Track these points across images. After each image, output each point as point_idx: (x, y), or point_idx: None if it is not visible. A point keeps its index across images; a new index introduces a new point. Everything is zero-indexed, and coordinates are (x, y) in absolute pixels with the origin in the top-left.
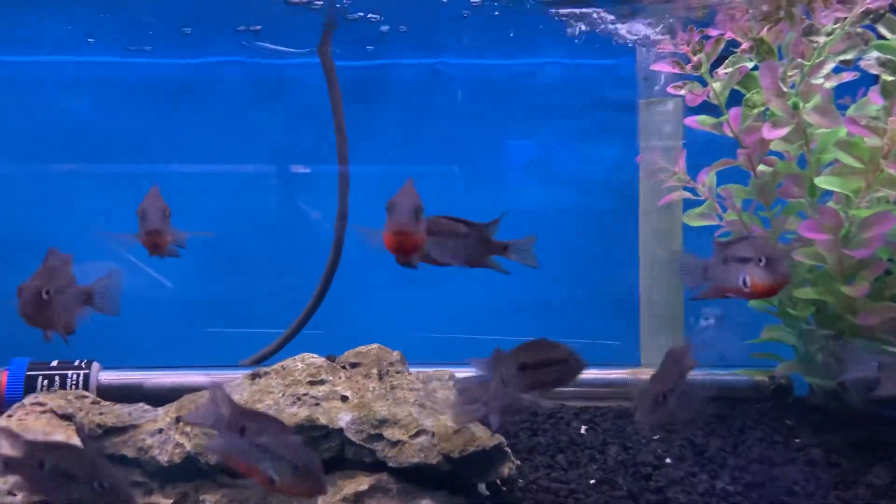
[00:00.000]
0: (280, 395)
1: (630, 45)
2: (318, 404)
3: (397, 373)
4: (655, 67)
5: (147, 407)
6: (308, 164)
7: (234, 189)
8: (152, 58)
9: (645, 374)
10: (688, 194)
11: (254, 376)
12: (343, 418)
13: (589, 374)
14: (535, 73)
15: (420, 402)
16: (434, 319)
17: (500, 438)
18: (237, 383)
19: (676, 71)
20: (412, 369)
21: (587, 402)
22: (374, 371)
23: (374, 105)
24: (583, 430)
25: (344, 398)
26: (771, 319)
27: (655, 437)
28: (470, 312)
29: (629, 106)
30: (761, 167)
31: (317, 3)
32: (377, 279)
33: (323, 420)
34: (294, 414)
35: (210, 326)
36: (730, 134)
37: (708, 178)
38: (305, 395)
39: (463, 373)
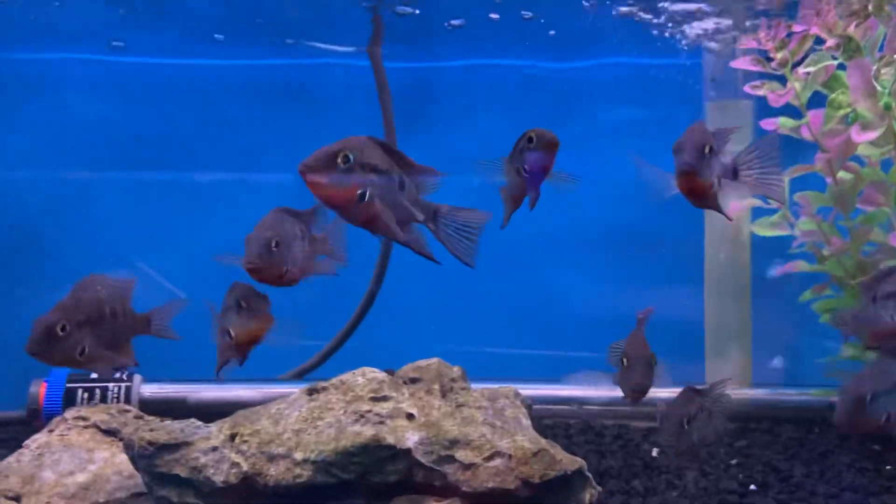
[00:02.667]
0: (341, 411)
1: (696, 45)
2: (382, 422)
3: (462, 389)
4: (736, 65)
5: (198, 423)
6: None
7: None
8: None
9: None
10: (757, 202)
11: (311, 391)
12: (410, 438)
13: (653, 393)
14: (593, 75)
15: (489, 421)
16: (484, 332)
17: (581, 462)
18: (293, 398)
19: (758, 69)
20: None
21: (653, 423)
22: (436, 387)
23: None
24: (654, 454)
25: (410, 416)
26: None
27: (733, 462)
28: (526, 327)
29: (694, 108)
30: (842, 173)
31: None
32: (416, 291)
33: (390, 439)
34: (358, 433)
35: None
36: (809, 137)
37: None
38: (369, 412)
39: (525, 389)
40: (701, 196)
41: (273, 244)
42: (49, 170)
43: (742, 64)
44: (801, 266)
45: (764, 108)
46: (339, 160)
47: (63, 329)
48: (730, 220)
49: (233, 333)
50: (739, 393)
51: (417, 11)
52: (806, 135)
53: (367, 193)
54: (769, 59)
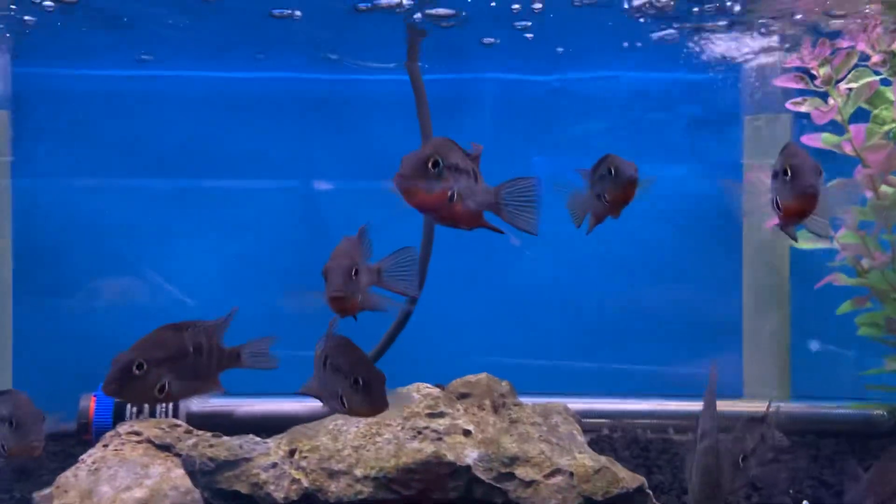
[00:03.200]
0: (399, 427)
1: (735, 59)
2: (440, 439)
3: (514, 405)
4: (779, 83)
5: (256, 439)
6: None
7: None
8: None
9: (749, 406)
10: None
11: None
12: (470, 455)
13: (689, 405)
14: (626, 86)
15: (545, 437)
16: (516, 344)
17: (641, 479)
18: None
19: (801, 87)
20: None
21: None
22: (487, 402)
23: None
24: None
25: (467, 432)
26: (886, 349)
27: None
28: (555, 337)
29: (732, 123)
30: (883, 187)
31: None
32: (448, 302)
33: (450, 456)
34: (418, 450)
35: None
36: (850, 152)
37: None
38: (426, 428)
39: (574, 403)
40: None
41: (353, 272)
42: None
43: (785, 82)
44: (841, 279)
45: (804, 124)
46: (429, 166)
47: (140, 367)
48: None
49: None
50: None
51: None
52: (848, 150)
53: (455, 193)
54: (811, 77)
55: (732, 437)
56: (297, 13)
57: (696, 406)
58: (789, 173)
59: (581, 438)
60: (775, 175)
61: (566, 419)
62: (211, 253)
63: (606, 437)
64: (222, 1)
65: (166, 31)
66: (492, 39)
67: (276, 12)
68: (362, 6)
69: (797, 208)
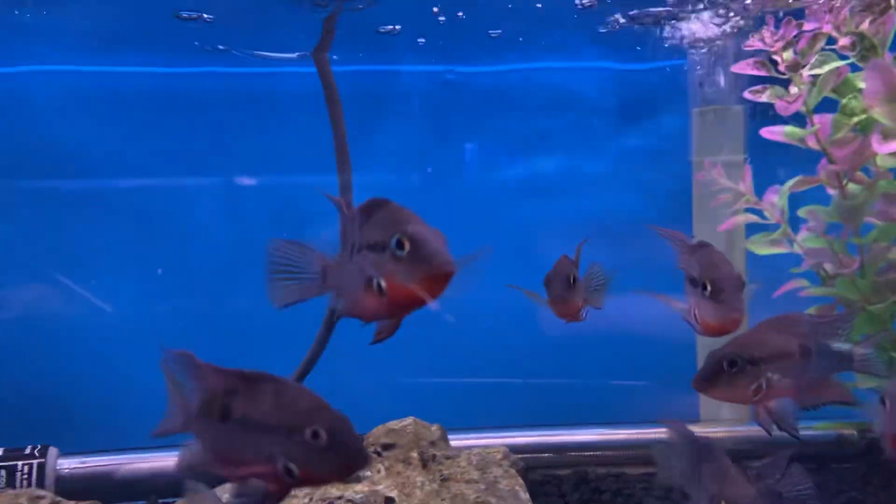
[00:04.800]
0: (306, 499)
1: (683, 45)
2: None
3: (446, 458)
4: (738, 69)
5: None
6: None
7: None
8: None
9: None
10: (754, 217)
11: None
12: None
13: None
14: (569, 78)
15: (482, 500)
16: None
17: None
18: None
19: (761, 73)
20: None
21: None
22: (414, 455)
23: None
24: None
25: (389, 500)
26: None
27: None
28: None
29: (678, 116)
30: (851, 186)
31: None
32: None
33: None
34: None
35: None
36: (815, 146)
37: (779, 198)
38: (339, 498)
39: (511, 438)
40: None
41: (572, 279)
42: None
43: (744, 68)
44: (807, 288)
45: (757, 115)
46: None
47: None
48: None
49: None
50: (736, 431)
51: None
52: (812, 144)
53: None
54: (773, 63)
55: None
56: None
57: (648, 434)
58: (710, 288)
59: (525, 496)
60: (692, 281)
61: (506, 471)
62: (128, 258)
63: (551, 477)
64: None
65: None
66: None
67: None
68: None
69: (719, 329)
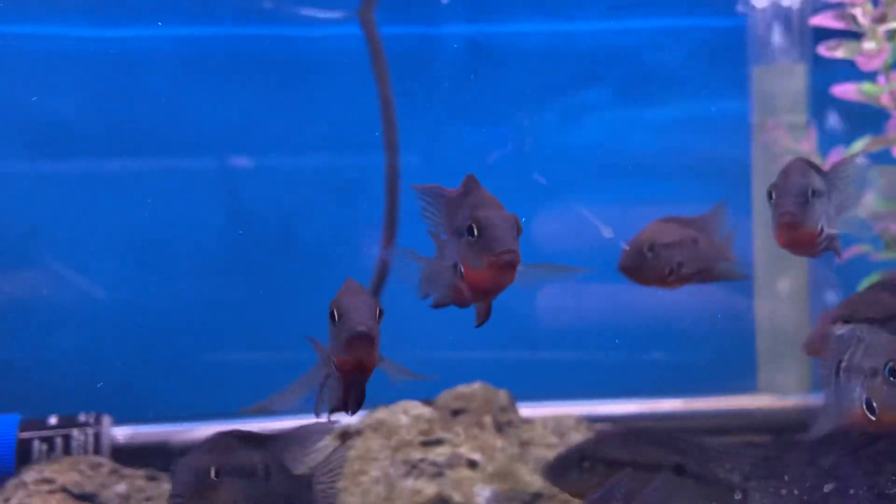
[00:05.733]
0: (388, 461)
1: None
2: (441, 474)
3: (521, 422)
4: (817, 21)
5: None
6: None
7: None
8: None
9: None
10: None
11: (343, 436)
12: (481, 494)
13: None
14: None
15: None
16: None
17: None
18: (322, 444)
19: (839, 26)
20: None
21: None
22: (487, 419)
23: None
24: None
25: (472, 464)
26: None
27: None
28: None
29: (737, 76)
30: None
31: None
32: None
33: (458, 498)
34: (416, 490)
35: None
36: (889, 104)
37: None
38: (422, 460)
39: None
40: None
41: (647, 247)
42: None
43: (824, 20)
44: (872, 252)
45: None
46: None
47: (217, 474)
48: None
49: None
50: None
51: None
52: (885, 102)
53: None
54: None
55: None
56: None
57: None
58: (476, 232)
59: None
60: (458, 232)
61: (585, 436)
62: (122, 241)
63: None
64: None
65: None
66: None
67: None
68: None
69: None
